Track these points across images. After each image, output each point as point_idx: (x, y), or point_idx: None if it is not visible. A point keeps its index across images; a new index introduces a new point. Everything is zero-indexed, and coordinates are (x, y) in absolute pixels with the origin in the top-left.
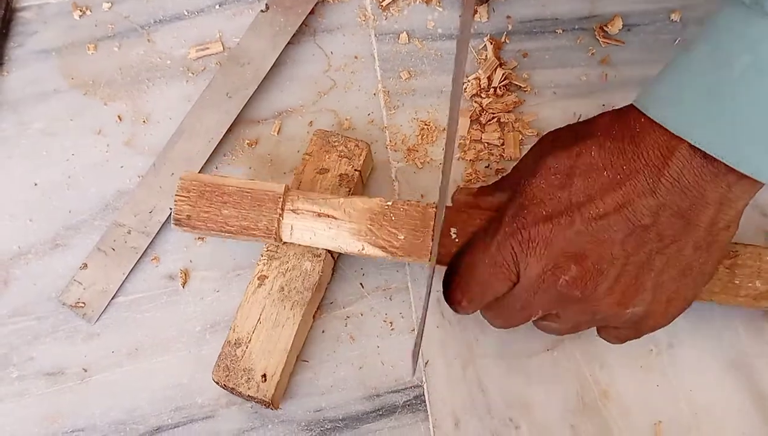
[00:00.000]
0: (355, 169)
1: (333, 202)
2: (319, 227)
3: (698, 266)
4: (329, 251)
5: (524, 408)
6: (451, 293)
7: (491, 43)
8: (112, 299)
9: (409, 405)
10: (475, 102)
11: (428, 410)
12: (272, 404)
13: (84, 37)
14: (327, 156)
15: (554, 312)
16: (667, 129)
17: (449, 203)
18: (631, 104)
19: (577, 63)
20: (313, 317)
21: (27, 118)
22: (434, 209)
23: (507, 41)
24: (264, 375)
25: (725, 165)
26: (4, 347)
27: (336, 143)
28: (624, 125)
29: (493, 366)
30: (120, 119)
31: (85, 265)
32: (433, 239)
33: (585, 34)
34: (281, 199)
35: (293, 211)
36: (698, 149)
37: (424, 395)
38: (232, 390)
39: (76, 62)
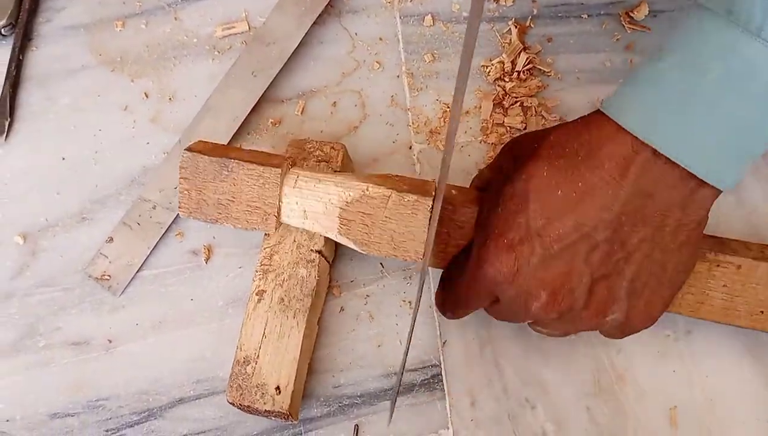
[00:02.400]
0: (334, 171)
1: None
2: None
3: (672, 266)
4: (323, 255)
5: (540, 389)
6: (438, 303)
7: (516, 27)
8: (137, 272)
9: (426, 384)
10: (499, 86)
11: (445, 389)
12: (291, 415)
13: (112, 13)
14: (304, 163)
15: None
16: (628, 136)
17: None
18: (591, 113)
19: (602, 48)
20: (334, 294)
21: (55, 93)
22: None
23: (532, 25)
24: (278, 387)
25: (688, 172)
26: (31, 317)
27: (312, 149)
28: (577, 138)
29: (510, 347)
30: (146, 96)
31: (111, 238)
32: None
33: (610, 20)
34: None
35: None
36: (661, 155)
37: (441, 374)
38: (248, 408)
39: (104, 39)
